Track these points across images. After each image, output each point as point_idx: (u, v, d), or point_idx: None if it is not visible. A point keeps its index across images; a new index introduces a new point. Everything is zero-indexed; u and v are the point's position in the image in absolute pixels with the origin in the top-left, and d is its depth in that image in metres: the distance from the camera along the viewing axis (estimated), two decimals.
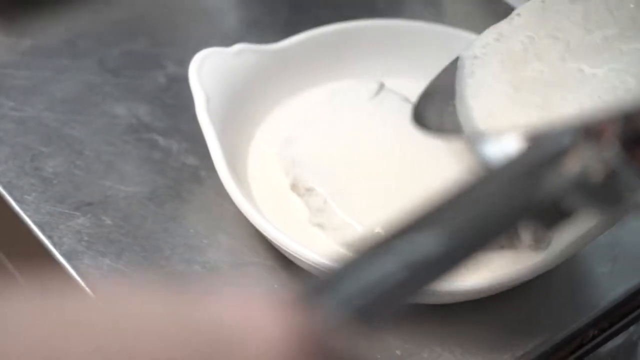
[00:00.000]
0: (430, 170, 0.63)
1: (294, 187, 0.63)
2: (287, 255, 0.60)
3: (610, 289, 0.63)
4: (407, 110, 0.66)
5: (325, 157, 0.64)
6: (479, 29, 0.73)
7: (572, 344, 0.61)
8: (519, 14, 0.60)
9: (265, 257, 0.62)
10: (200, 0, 0.81)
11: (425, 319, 0.60)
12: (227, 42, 0.68)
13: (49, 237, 0.62)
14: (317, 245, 0.61)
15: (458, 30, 0.72)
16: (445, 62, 0.70)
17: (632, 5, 0.59)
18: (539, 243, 0.62)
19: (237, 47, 0.67)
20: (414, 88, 0.68)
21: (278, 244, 0.59)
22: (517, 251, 0.61)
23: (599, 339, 0.62)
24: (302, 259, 0.58)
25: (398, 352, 0.58)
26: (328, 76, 0.70)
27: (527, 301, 0.62)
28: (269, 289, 0.60)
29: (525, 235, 0.61)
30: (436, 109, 0.59)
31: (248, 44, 0.68)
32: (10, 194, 0.64)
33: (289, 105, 0.69)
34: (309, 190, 0.62)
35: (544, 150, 0.43)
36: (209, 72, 0.65)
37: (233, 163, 0.62)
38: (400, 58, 0.71)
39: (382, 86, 0.68)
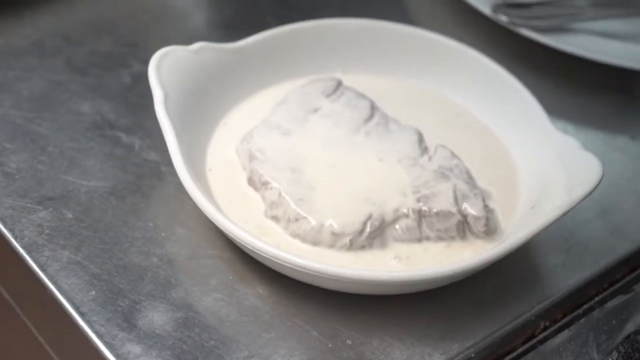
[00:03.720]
0: (382, 167, 0.65)
1: (251, 181, 0.65)
2: (242, 247, 0.61)
3: (562, 280, 0.64)
4: (363, 106, 0.67)
5: (281, 152, 0.65)
6: (440, 27, 0.75)
7: (522, 335, 0.62)
8: None
9: (222, 250, 0.63)
10: (166, 1, 0.83)
11: (375, 309, 0.61)
12: (191, 41, 0.69)
13: (11, 231, 0.63)
14: (271, 238, 0.62)
15: (413, 28, 0.73)
16: (402, 60, 0.72)
17: None
18: (489, 233, 0.63)
19: (197, 45, 0.68)
20: (371, 84, 0.70)
21: (233, 237, 0.60)
22: (467, 241, 0.63)
23: (550, 331, 0.63)
24: (257, 251, 0.59)
25: (349, 342, 0.59)
26: (287, 74, 0.72)
27: (478, 291, 0.63)
28: (224, 280, 0.62)
29: (476, 225, 0.62)
30: None
31: (208, 43, 0.69)
32: None
33: (249, 103, 0.70)
34: (265, 184, 0.64)
35: None
36: (168, 69, 0.66)
37: (191, 158, 0.63)
38: (358, 56, 0.73)
39: (339, 83, 0.70)
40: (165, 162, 0.68)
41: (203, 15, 0.83)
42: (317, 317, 0.60)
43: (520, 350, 0.62)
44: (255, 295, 0.61)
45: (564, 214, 0.60)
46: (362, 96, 0.69)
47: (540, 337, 0.62)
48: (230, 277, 0.62)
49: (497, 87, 0.70)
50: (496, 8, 0.78)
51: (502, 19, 0.77)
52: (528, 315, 0.62)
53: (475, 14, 0.80)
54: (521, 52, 0.79)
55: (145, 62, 0.67)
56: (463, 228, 0.63)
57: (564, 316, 0.64)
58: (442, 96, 0.72)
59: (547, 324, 0.63)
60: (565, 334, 0.62)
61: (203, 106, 0.68)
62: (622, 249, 0.67)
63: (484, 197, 0.64)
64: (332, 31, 0.73)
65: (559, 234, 0.66)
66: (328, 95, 0.69)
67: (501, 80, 0.70)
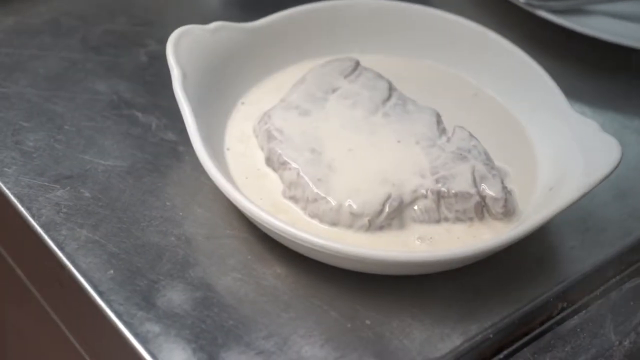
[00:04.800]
0: (400, 148, 0.65)
1: (269, 161, 0.64)
2: (260, 227, 0.61)
3: (580, 262, 0.64)
4: (381, 87, 0.67)
5: (299, 133, 0.65)
6: (456, 8, 0.75)
7: (540, 317, 0.62)
8: None
9: (239, 230, 0.63)
10: None
11: (394, 290, 0.61)
12: (208, 21, 0.69)
13: (28, 209, 0.63)
14: (290, 218, 0.62)
15: (431, 8, 0.73)
16: (419, 40, 0.71)
17: None
18: (507, 215, 0.63)
19: (215, 24, 0.68)
20: (389, 65, 0.70)
21: (251, 216, 0.60)
22: (486, 223, 0.63)
23: (567, 312, 0.63)
24: (275, 231, 0.59)
25: (368, 322, 0.59)
26: (305, 54, 0.71)
27: (497, 273, 0.63)
28: (242, 260, 0.62)
29: (495, 206, 0.62)
30: None
31: (225, 22, 0.69)
32: None
33: (267, 82, 0.70)
34: (283, 164, 0.63)
35: None
36: (186, 49, 0.66)
37: (210, 138, 0.63)
38: (375, 36, 0.73)
39: (357, 64, 0.69)
40: (183, 142, 0.68)
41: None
42: (336, 298, 0.60)
43: (538, 331, 0.62)
44: (274, 275, 0.61)
45: (582, 196, 0.60)
46: (379, 77, 0.69)
47: (558, 318, 0.63)
48: (249, 257, 0.62)
49: (515, 69, 0.70)
50: None
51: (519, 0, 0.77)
52: (546, 297, 0.62)
53: None
54: (538, 34, 0.79)
55: (162, 42, 0.67)
56: (481, 209, 0.62)
57: (582, 298, 0.64)
58: (460, 77, 0.72)
59: (565, 305, 0.63)
60: (583, 315, 0.63)
61: (221, 86, 0.67)
62: None
63: (502, 178, 0.63)
64: (350, 11, 0.73)
65: (576, 215, 0.66)
66: (346, 76, 0.69)
67: (519, 61, 0.70)
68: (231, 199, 0.60)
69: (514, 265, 0.63)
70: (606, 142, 0.63)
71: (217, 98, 0.67)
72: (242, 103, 0.68)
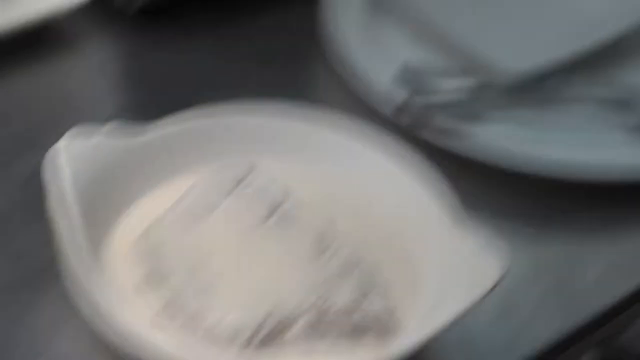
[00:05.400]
0: (281, 265, 0.63)
1: (148, 277, 0.63)
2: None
3: None
4: (274, 193, 0.66)
5: (179, 247, 0.64)
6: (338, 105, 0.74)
7: None
8: None
9: None
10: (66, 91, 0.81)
11: None
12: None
13: None
14: (167, 337, 0.60)
15: (319, 110, 0.73)
16: (310, 141, 0.71)
17: None
18: (389, 332, 0.61)
19: (97, 136, 0.67)
20: (285, 171, 0.69)
21: (120, 339, 0.58)
22: (368, 340, 0.61)
23: None
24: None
25: None
26: (196, 162, 0.70)
27: None
28: None
29: (376, 323, 0.61)
30: None
31: (108, 135, 0.68)
32: None
33: (154, 194, 0.69)
34: (162, 279, 0.62)
35: None
36: (66, 160, 0.65)
37: (85, 257, 0.61)
38: (271, 142, 0.72)
39: (250, 169, 0.68)
40: (56, 260, 0.65)
41: (109, 102, 0.82)
42: None
43: None
44: None
45: (459, 317, 0.59)
46: (271, 184, 0.68)
47: None
48: None
49: (404, 183, 0.69)
50: (397, 112, 0.77)
51: (404, 121, 0.77)
52: None
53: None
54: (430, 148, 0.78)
55: (44, 153, 0.66)
56: (363, 326, 0.61)
57: None
58: (355, 185, 0.71)
59: None
60: None
61: (103, 198, 0.66)
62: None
63: (386, 296, 0.62)
64: (244, 117, 0.72)
65: (460, 336, 0.65)
66: (235, 185, 0.67)
67: (406, 176, 0.69)
68: (97, 324, 0.58)
69: None
70: (491, 255, 0.62)
71: (99, 211, 0.65)
72: (127, 215, 0.67)
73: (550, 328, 0.67)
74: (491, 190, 0.77)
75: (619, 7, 0.90)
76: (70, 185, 0.64)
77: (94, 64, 0.84)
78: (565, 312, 0.68)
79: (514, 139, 0.77)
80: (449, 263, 0.64)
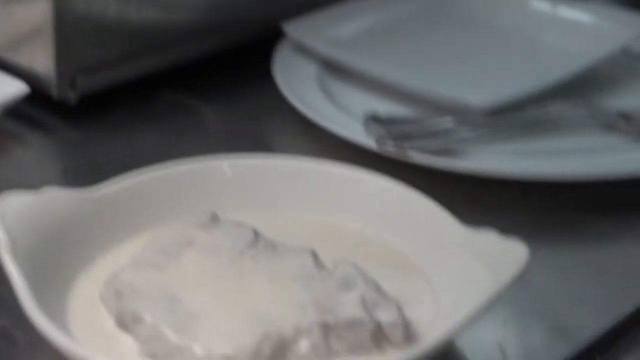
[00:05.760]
0: (275, 288, 0.55)
1: (120, 321, 0.54)
2: None
3: None
4: (245, 234, 0.59)
5: (153, 287, 0.55)
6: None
7: None
8: None
9: None
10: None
11: None
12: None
13: None
14: None
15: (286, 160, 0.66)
16: (285, 193, 0.64)
17: None
18: (410, 341, 0.53)
19: (46, 191, 0.60)
20: (254, 219, 0.61)
21: None
22: (387, 353, 0.53)
23: None
24: None
25: None
26: (154, 219, 0.62)
27: None
28: None
29: (393, 332, 0.53)
30: None
31: (59, 189, 0.60)
32: None
33: (113, 251, 0.60)
34: (136, 320, 0.53)
35: None
36: (15, 218, 0.57)
37: (49, 312, 0.53)
38: (234, 193, 0.64)
39: (215, 216, 0.61)
40: (17, 326, 0.57)
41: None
42: None
43: None
44: None
45: (487, 306, 0.52)
46: (242, 225, 0.60)
47: None
48: None
49: (392, 202, 0.62)
50: (380, 140, 0.71)
51: (390, 146, 0.70)
52: None
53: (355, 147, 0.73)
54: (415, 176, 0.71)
55: None
56: (379, 338, 0.53)
57: None
58: (336, 225, 0.63)
59: None
60: None
61: (59, 256, 0.58)
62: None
63: (397, 304, 0.54)
64: (203, 172, 0.65)
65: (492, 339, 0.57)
66: (203, 228, 0.60)
67: (394, 193, 0.62)
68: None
69: None
70: (509, 247, 0.55)
71: (56, 269, 0.57)
72: (86, 275, 0.59)
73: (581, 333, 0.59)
74: (490, 204, 0.70)
75: (585, 44, 0.86)
76: (22, 243, 0.56)
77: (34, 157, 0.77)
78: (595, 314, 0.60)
79: (504, 152, 0.72)
80: (465, 267, 0.56)
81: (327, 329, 0.52)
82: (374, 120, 0.73)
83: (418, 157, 0.70)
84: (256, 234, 0.59)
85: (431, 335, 0.53)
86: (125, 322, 0.54)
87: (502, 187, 0.70)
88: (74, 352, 0.50)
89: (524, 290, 0.57)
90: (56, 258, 0.58)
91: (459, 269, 0.56)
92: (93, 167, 0.75)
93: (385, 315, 0.53)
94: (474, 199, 0.70)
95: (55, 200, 0.60)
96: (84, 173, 0.73)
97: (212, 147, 0.71)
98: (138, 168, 0.64)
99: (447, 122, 0.74)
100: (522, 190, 0.70)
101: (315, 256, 0.58)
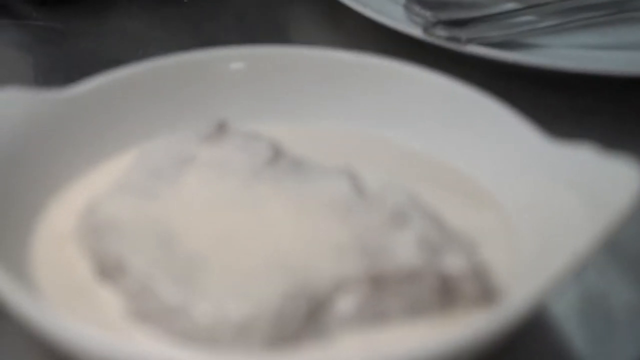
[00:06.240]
0: (303, 222, 0.42)
1: (100, 268, 0.41)
2: None
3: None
4: (261, 149, 0.45)
5: (142, 223, 0.42)
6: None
7: None
8: None
9: None
10: None
11: None
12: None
13: None
14: (138, 345, 0.38)
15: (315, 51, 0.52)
16: (304, 93, 0.50)
17: None
18: (487, 297, 0.39)
19: (6, 92, 0.46)
20: (272, 133, 0.47)
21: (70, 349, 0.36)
22: (454, 314, 0.39)
23: None
24: None
25: None
26: (147, 129, 0.49)
27: None
28: None
29: (463, 285, 0.39)
30: None
31: (22, 88, 0.46)
32: None
33: (94, 170, 0.47)
34: (121, 268, 0.40)
35: None
36: None
37: (4, 255, 0.40)
38: (248, 97, 0.51)
39: (222, 125, 0.47)
40: None
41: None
42: None
43: None
44: None
45: (593, 247, 0.38)
46: (257, 137, 0.46)
47: None
48: None
49: (453, 108, 0.48)
50: (429, 27, 0.57)
51: (441, 34, 0.56)
52: None
53: (395, 36, 0.59)
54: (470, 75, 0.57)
55: None
56: (443, 294, 0.39)
57: None
58: (381, 139, 0.50)
59: None
60: None
61: (19, 180, 0.44)
62: None
63: (464, 243, 0.41)
64: (208, 68, 0.51)
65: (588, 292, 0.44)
66: (207, 140, 0.46)
67: (455, 95, 0.48)
68: (35, 327, 0.36)
69: None
70: (613, 168, 0.41)
71: (14, 197, 0.44)
72: (57, 202, 0.45)
73: None
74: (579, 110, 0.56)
75: None
76: None
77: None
78: None
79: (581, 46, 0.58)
80: (552, 189, 0.42)
81: (375, 282, 0.39)
82: (419, 3, 0.59)
83: (476, 50, 0.56)
84: (276, 150, 0.45)
85: (516, 289, 0.39)
86: (107, 270, 0.40)
87: (589, 88, 0.55)
88: (34, 315, 0.37)
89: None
90: (16, 180, 0.44)
91: (544, 198, 0.43)
92: (72, 63, 0.61)
93: (453, 262, 0.39)
94: (556, 103, 0.56)
95: (15, 102, 0.46)
96: (61, 70, 0.60)
97: (220, 39, 0.57)
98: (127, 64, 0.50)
99: (510, 7, 0.59)
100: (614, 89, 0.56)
101: (354, 179, 0.44)
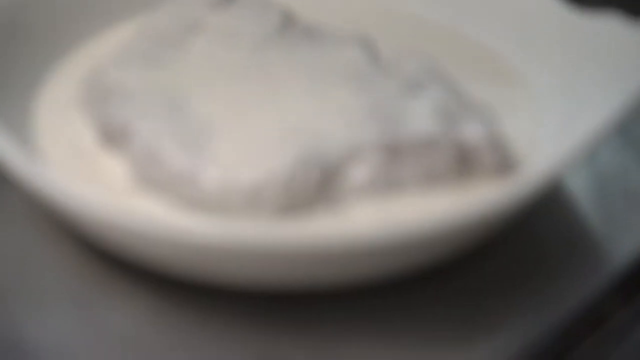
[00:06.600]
0: (315, 91, 0.40)
1: (105, 133, 0.39)
2: (98, 239, 0.36)
3: (630, 237, 0.40)
4: (272, 15, 0.43)
5: (151, 87, 0.40)
6: None
7: (582, 326, 0.37)
8: None
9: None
10: None
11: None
12: None
13: None
14: (145, 213, 0.37)
15: None
16: None
17: None
18: (504, 167, 0.38)
19: None
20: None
21: (81, 214, 0.35)
22: (470, 185, 0.38)
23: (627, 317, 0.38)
24: (124, 231, 0.34)
25: None
26: None
27: (505, 270, 0.38)
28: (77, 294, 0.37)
29: (481, 153, 0.38)
30: None
31: None
32: None
33: (98, 37, 0.45)
34: (128, 133, 0.38)
35: None
36: None
37: (6, 123, 0.39)
38: None
39: None
40: None
41: None
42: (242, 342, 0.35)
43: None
44: (129, 318, 0.36)
45: (622, 114, 0.37)
46: (267, 3, 0.44)
47: (612, 327, 0.38)
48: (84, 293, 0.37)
49: None
50: None
51: None
52: (596, 295, 0.38)
53: None
54: None
55: None
56: (460, 163, 0.38)
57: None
58: (400, 9, 0.48)
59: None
60: None
61: (18, 48, 0.43)
62: None
63: (484, 113, 0.39)
64: None
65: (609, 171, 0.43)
66: (216, 7, 0.44)
67: None
68: (37, 191, 0.35)
69: (538, 250, 0.39)
70: (638, 38, 0.39)
71: (14, 65, 0.42)
72: (60, 69, 0.43)
73: None
74: None
75: None
76: None
77: None
78: None
79: None
80: (576, 61, 0.41)
81: (390, 152, 0.37)
82: None
83: None
84: (287, 16, 0.44)
85: (534, 161, 0.38)
86: (112, 135, 0.39)
87: None
88: (38, 179, 0.35)
89: None
90: (16, 48, 0.43)
91: (568, 69, 0.41)
92: None
93: (470, 131, 0.38)
94: None
95: None
96: None
97: None
98: None
99: None
100: None
101: (370, 46, 0.42)
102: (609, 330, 0.37)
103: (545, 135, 0.40)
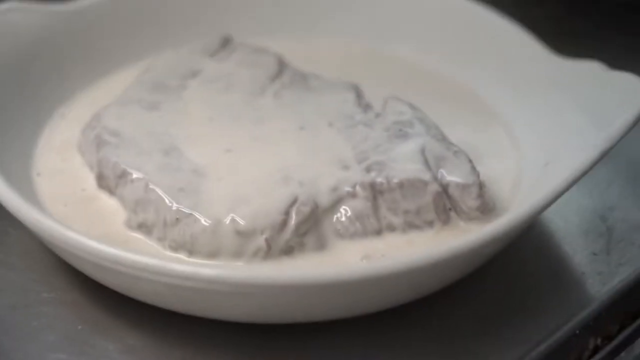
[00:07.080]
0: (306, 136, 0.42)
1: (102, 178, 0.41)
2: (94, 275, 0.38)
3: (608, 276, 0.41)
4: (267, 63, 0.45)
5: (145, 133, 0.42)
6: None
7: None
8: None
9: (63, 291, 0.39)
10: None
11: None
12: None
13: None
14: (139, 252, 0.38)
15: None
16: (319, 12, 0.50)
17: None
18: (485, 210, 0.39)
19: (8, 5, 0.46)
20: (278, 48, 0.47)
21: (76, 252, 0.36)
22: (455, 227, 0.39)
23: (605, 350, 0.39)
24: (114, 266, 0.35)
25: None
26: (152, 44, 0.49)
27: (489, 302, 0.39)
28: (70, 332, 0.38)
29: (465, 197, 0.39)
30: None
31: (23, 2, 0.46)
32: None
33: (99, 83, 0.47)
34: (122, 176, 0.40)
35: None
36: None
37: (10, 161, 0.40)
38: (253, 11, 0.50)
39: (227, 40, 0.47)
40: None
41: None
42: None
43: None
44: (123, 349, 0.37)
45: (600, 158, 0.38)
46: (263, 51, 0.46)
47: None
48: (79, 327, 0.38)
49: (459, 23, 0.48)
50: None
51: None
52: (569, 329, 0.39)
53: None
54: None
55: None
56: (444, 205, 0.39)
57: (622, 329, 0.40)
58: (386, 53, 0.49)
59: (599, 342, 0.39)
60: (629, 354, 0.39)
61: (24, 93, 0.44)
62: None
63: (469, 157, 0.41)
64: None
65: (592, 205, 0.44)
66: (212, 55, 0.46)
67: (461, 10, 0.48)
68: (40, 230, 0.36)
69: (518, 286, 0.40)
70: (619, 83, 0.41)
71: (22, 107, 0.44)
72: (62, 115, 0.45)
73: None
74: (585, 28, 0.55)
75: None
76: None
77: None
78: None
79: None
80: (558, 104, 0.42)
81: (375, 193, 0.39)
82: None
83: None
84: (281, 63, 0.45)
85: (515, 203, 0.39)
86: (108, 179, 0.41)
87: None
88: (36, 221, 0.37)
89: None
90: (21, 93, 0.44)
91: (550, 113, 0.43)
92: None
93: (454, 174, 0.39)
94: (562, 20, 0.55)
95: (23, 15, 0.46)
96: None
97: None
98: None
99: None
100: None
101: (358, 92, 0.44)
102: None
103: (527, 177, 0.41)
